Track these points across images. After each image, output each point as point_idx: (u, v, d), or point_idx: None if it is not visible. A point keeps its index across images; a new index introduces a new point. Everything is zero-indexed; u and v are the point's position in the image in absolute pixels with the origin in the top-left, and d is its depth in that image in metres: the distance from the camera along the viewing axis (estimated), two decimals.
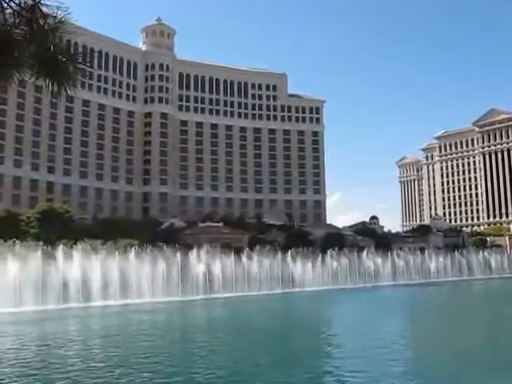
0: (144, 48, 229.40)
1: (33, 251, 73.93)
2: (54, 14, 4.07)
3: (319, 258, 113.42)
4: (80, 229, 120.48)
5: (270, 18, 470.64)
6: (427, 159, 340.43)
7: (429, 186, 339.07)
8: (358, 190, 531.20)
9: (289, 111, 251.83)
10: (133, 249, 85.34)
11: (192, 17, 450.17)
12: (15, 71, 4.18)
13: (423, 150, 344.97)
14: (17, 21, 3.90)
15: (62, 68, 4.12)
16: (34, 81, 4.43)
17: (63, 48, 4.16)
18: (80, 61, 4.25)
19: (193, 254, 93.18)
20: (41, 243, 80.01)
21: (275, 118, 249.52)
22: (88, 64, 4.41)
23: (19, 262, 71.82)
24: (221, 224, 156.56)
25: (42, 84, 4.30)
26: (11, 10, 3.91)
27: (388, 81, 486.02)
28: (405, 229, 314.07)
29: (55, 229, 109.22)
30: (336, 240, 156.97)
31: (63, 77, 4.11)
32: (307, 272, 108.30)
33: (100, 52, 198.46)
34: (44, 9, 4.05)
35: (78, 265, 77.01)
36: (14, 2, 3.87)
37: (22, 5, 3.86)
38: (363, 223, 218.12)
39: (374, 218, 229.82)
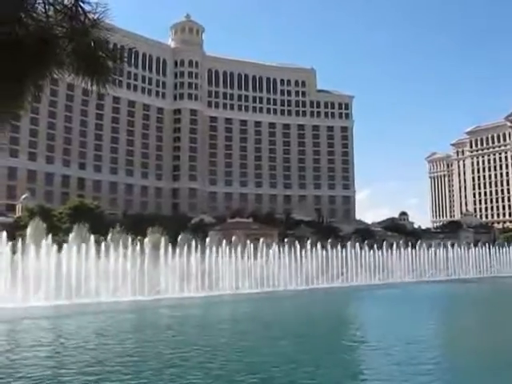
0: (173, 45, 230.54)
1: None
2: (94, 11, 4.10)
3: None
4: (110, 224, 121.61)
5: (298, 13, 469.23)
6: (458, 155, 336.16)
7: (459, 182, 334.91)
8: (387, 186, 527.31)
9: (318, 107, 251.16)
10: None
11: (220, 13, 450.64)
12: (56, 69, 4.23)
13: (453, 145, 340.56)
14: (59, 18, 3.94)
15: (102, 65, 4.15)
16: (70, 79, 4.47)
17: (103, 44, 4.20)
18: (120, 57, 4.28)
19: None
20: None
21: (304, 113, 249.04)
22: (126, 61, 4.46)
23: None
24: (250, 220, 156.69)
25: (74, 82, 4.36)
26: (53, 8, 3.95)
27: (418, 75, 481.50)
28: (435, 225, 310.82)
29: (86, 224, 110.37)
30: (365, 236, 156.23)
31: (103, 73, 4.14)
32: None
33: (130, 49, 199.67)
34: (84, 6, 4.08)
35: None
36: (57, 1, 3.91)
37: (65, 2, 3.90)
38: (392, 219, 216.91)
39: (403, 213, 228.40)
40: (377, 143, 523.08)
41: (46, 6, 3.92)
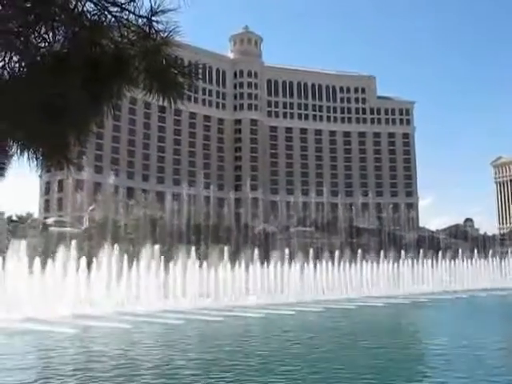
0: (232, 56, 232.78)
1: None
2: (165, 29, 4.26)
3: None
4: (174, 234, 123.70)
5: (356, 21, 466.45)
6: None
7: None
8: (451, 192, 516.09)
9: (378, 114, 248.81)
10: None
11: (278, 22, 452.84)
12: (129, 87, 4.41)
13: None
14: (133, 38, 4.12)
15: (174, 81, 4.31)
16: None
17: (174, 61, 4.36)
18: (191, 73, 4.43)
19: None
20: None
21: (365, 120, 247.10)
22: (197, 76, 4.61)
23: None
24: (312, 228, 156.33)
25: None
26: (127, 28, 4.14)
27: (481, 79, 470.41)
28: (501, 231, 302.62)
29: (151, 235, 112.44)
30: (429, 243, 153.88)
31: (175, 90, 4.30)
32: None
33: (190, 61, 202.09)
34: (155, 24, 4.25)
35: None
36: (130, 21, 4.10)
37: (138, 22, 4.09)
38: (457, 226, 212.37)
39: (468, 220, 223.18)
40: (440, 149, 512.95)
41: (121, 27, 4.11)
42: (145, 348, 35.32)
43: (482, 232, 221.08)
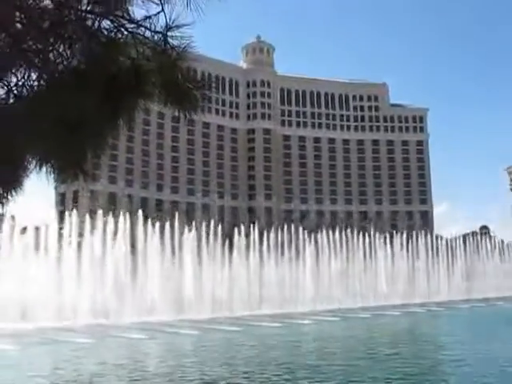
0: (245, 66, 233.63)
1: None
2: (180, 44, 4.34)
3: None
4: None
5: (368, 28, 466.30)
6: None
7: None
8: (467, 199, 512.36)
9: (391, 121, 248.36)
10: None
11: (290, 31, 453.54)
12: (145, 100, 4.50)
13: None
14: (149, 53, 4.22)
15: (190, 95, 4.40)
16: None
17: (189, 75, 4.45)
18: (205, 87, 4.52)
19: None
20: None
21: (378, 128, 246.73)
22: (210, 89, 4.70)
23: None
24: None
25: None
26: (143, 44, 4.23)
27: (495, 85, 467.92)
28: None
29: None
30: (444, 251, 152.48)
31: (191, 102, 4.39)
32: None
33: (203, 72, 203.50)
34: (171, 40, 4.33)
35: None
36: (146, 37, 4.19)
37: (154, 39, 4.18)
38: (473, 233, 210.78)
39: (484, 227, 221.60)
40: (455, 156, 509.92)
41: (137, 43, 4.20)
42: None
43: (498, 239, 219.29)
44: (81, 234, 70.56)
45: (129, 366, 31.03)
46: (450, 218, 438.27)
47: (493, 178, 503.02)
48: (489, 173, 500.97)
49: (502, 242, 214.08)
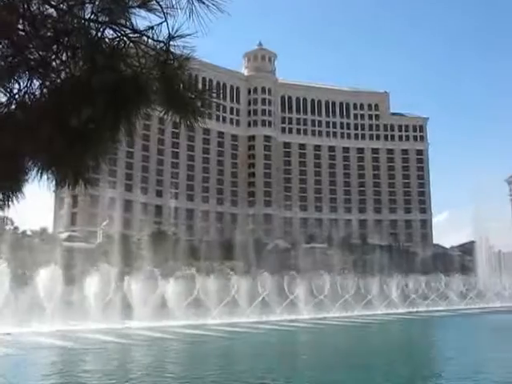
0: (246, 73, 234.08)
1: None
2: (182, 54, 4.36)
3: None
4: (187, 251, 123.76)
5: (369, 37, 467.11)
6: None
7: None
8: (467, 209, 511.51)
9: (392, 130, 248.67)
10: None
11: (292, 39, 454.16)
12: (146, 108, 4.52)
13: None
14: (151, 64, 4.23)
15: (191, 104, 4.42)
16: (160, 115, 4.78)
17: (191, 85, 4.47)
18: (206, 96, 4.54)
19: None
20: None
21: (378, 137, 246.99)
22: (212, 98, 4.71)
23: None
24: (325, 245, 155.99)
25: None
26: (146, 54, 4.25)
27: (495, 94, 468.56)
28: None
29: (164, 250, 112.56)
30: (442, 261, 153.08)
31: (193, 112, 4.41)
32: None
33: (204, 78, 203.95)
34: (173, 49, 4.35)
35: None
36: (149, 46, 4.21)
37: (157, 49, 4.20)
38: (472, 243, 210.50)
39: (483, 237, 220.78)
40: (455, 165, 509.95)
41: (139, 53, 4.22)
42: None
43: (497, 249, 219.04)
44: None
45: None
46: (450, 226, 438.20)
47: (495, 188, 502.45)
48: (491, 183, 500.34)
49: (500, 251, 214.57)
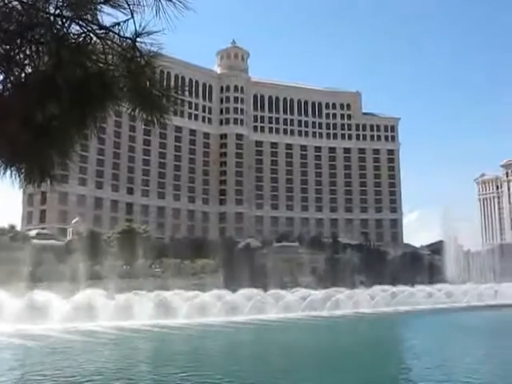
0: (219, 71, 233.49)
1: None
2: (149, 51, 4.34)
3: None
4: (158, 248, 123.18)
5: (342, 37, 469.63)
6: (507, 176, 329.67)
7: (509, 204, 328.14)
8: (436, 208, 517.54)
9: (363, 130, 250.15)
10: None
11: (265, 38, 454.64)
12: (113, 105, 4.49)
13: (503, 166, 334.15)
14: (117, 60, 4.20)
15: (157, 101, 4.40)
16: (129, 112, 4.75)
17: (157, 82, 4.45)
18: (173, 94, 4.52)
19: None
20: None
21: (350, 136, 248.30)
22: (180, 95, 4.69)
23: None
24: (296, 244, 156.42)
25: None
26: (112, 50, 4.21)
27: (465, 96, 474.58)
28: (485, 248, 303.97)
29: (134, 248, 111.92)
30: (412, 260, 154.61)
31: (158, 109, 4.39)
32: None
33: (177, 76, 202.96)
34: (140, 46, 4.32)
35: None
36: (115, 43, 4.17)
37: (123, 45, 4.16)
38: (441, 242, 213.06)
39: (452, 236, 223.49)
40: (426, 165, 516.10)
41: (106, 49, 4.18)
42: None
43: (465, 248, 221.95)
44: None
45: None
46: (420, 226, 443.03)
47: (463, 188, 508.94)
48: (460, 183, 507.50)
49: (469, 250, 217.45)
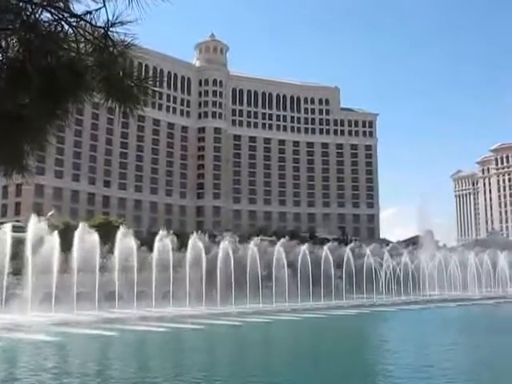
0: (198, 64, 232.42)
1: None
2: (122, 41, 4.27)
3: None
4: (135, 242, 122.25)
5: (321, 32, 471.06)
6: (483, 172, 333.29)
7: (485, 200, 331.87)
8: (413, 204, 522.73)
9: (341, 125, 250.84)
10: None
11: (244, 31, 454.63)
12: (86, 95, 4.41)
13: (479, 163, 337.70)
14: (89, 49, 4.13)
15: (130, 92, 4.34)
16: (96, 99, 4.68)
17: (131, 73, 4.38)
18: (146, 84, 4.46)
19: None
20: None
21: (328, 131, 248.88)
22: (155, 86, 4.63)
23: None
24: (274, 238, 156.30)
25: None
26: (84, 39, 4.14)
27: (443, 92, 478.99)
28: (460, 243, 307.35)
29: (111, 241, 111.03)
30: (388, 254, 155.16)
31: (131, 100, 4.33)
32: None
33: (155, 68, 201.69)
34: (113, 36, 4.26)
35: None
36: (87, 32, 4.10)
37: (95, 34, 4.10)
38: (417, 237, 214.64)
39: (428, 231, 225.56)
40: (403, 161, 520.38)
41: (78, 38, 4.11)
42: None
43: (441, 244, 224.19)
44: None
45: None
46: (397, 221, 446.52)
47: (440, 184, 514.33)
48: (437, 179, 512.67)
49: (444, 245, 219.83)
